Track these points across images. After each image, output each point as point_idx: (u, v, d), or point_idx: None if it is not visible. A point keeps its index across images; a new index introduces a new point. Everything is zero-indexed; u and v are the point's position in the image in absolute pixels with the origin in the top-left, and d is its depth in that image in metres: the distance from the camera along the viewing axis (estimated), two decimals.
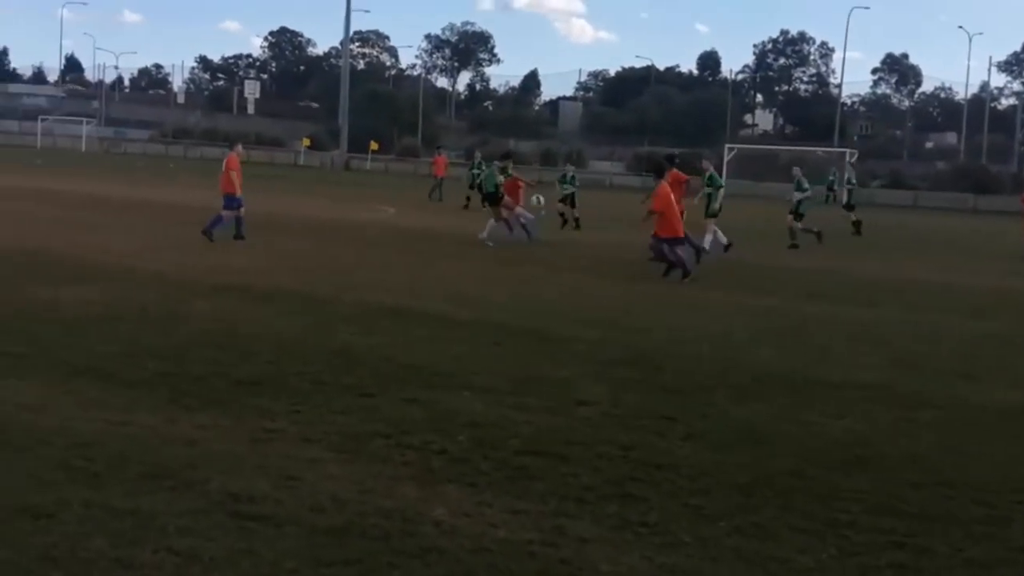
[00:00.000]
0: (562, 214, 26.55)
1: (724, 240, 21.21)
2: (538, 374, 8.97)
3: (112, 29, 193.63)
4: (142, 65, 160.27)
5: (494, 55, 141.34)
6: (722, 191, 21.93)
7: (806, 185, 24.66)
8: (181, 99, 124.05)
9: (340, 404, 7.57)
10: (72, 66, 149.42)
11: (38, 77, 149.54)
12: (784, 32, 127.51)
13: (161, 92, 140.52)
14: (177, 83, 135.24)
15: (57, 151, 75.97)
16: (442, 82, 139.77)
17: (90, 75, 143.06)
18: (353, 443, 6.66)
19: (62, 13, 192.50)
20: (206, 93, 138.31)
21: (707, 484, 6.20)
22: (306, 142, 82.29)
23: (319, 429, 6.93)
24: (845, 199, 31.59)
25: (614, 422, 7.51)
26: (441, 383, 8.42)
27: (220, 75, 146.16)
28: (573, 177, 27.12)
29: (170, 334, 10.01)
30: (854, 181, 31.89)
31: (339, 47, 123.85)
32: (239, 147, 20.83)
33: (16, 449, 6.16)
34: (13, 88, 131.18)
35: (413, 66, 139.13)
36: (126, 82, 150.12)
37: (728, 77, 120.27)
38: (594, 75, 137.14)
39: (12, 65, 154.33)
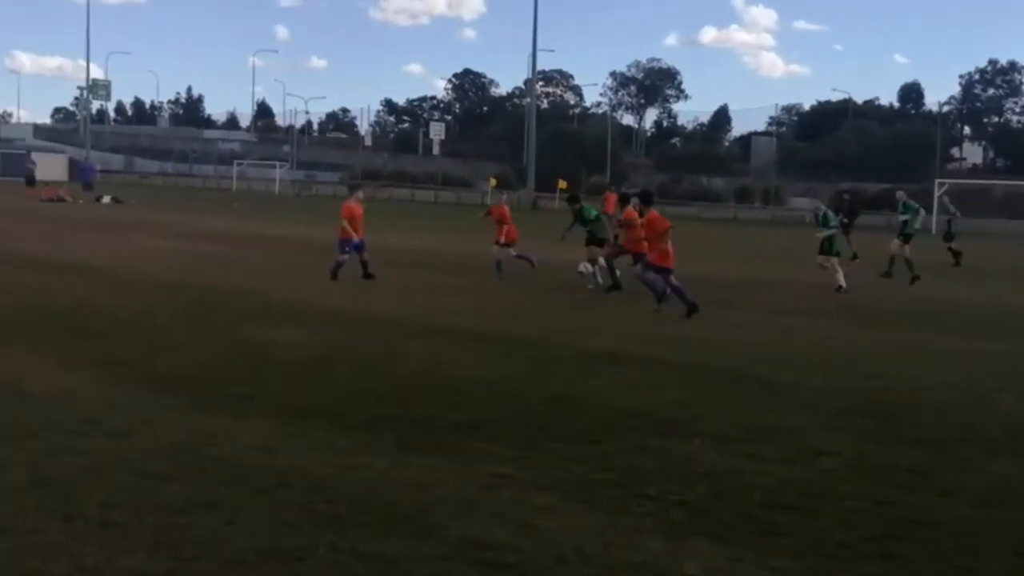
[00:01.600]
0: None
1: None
2: (767, 422, 8.57)
3: (301, 75, 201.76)
4: (330, 109, 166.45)
5: (681, 91, 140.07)
6: (837, 230, 20.88)
7: (915, 206, 23.91)
8: (368, 142, 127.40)
9: (568, 451, 7.37)
10: (263, 112, 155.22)
11: (231, 123, 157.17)
12: (993, 62, 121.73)
13: (344, 136, 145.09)
14: (364, 126, 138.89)
15: (251, 193, 79.01)
16: (627, 119, 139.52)
17: (280, 120, 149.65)
18: (587, 492, 6.44)
19: (253, 61, 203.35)
20: (391, 135, 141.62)
21: (976, 544, 5.73)
22: (493, 182, 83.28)
23: (549, 476, 6.74)
24: (946, 229, 30.17)
25: (859, 475, 7.06)
26: (668, 430, 8.12)
27: (405, 117, 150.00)
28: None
29: (386, 376, 10.05)
30: (954, 211, 30.34)
31: (522, 87, 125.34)
32: (359, 193, 20.81)
33: (256, 491, 6.19)
34: (208, 134, 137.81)
35: (598, 104, 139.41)
36: (315, 126, 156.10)
37: (933, 109, 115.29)
38: (787, 109, 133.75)
39: (207, 112, 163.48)
